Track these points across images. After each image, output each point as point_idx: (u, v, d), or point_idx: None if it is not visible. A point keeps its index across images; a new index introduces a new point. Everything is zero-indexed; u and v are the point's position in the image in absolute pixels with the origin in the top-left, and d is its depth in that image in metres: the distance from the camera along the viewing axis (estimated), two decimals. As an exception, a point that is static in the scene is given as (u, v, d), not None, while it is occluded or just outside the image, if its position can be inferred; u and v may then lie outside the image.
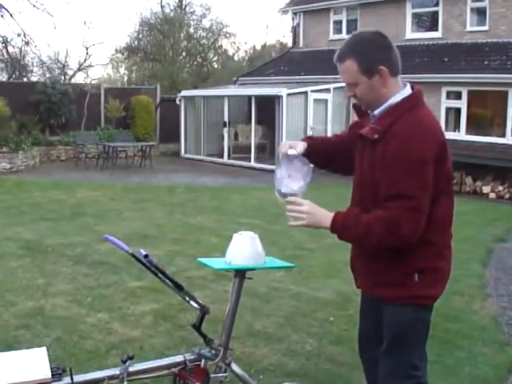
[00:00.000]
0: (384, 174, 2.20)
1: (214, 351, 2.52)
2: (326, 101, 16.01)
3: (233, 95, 17.64)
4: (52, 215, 8.70)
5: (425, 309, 2.37)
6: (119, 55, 29.40)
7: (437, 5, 15.46)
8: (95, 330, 4.28)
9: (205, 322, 2.52)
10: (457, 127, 14.01)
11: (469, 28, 14.68)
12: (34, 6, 19.65)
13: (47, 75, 24.22)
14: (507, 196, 12.51)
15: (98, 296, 5.03)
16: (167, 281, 2.41)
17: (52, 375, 2.10)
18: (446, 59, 14.41)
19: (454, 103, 14.06)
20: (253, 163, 16.10)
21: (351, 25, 17.24)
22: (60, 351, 3.83)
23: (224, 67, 29.37)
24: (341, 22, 17.90)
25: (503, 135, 13.19)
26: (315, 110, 15.82)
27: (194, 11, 29.52)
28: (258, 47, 32.68)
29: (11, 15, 19.61)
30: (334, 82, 15.29)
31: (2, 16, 19.44)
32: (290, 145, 2.45)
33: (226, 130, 17.15)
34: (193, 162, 17.44)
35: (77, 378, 2.19)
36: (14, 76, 24.78)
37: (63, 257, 6.31)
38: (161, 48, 27.36)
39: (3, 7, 19.29)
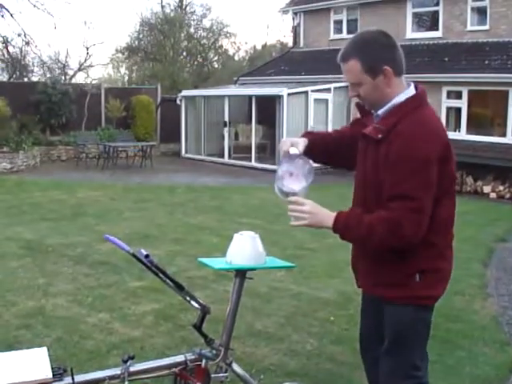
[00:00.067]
0: (387, 174, 2.19)
1: (214, 351, 2.52)
2: (327, 100, 16.01)
3: (233, 95, 17.64)
4: (52, 215, 8.70)
5: (426, 309, 2.37)
6: (120, 55, 29.46)
7: (437, 4, 15.46)
8: (96, 329, 4.28)
9: (205, 321, 2.52)
10: (457, 127, 14.00)
11: (469, 27, 14.67)
12: (34, 6, 19.71)
13: (48, 75, 24.24)
14: (508, 196, 12.50)
15: (99, 296, 5.03)
16: (168, 281, 2.41)
17: (53, 375, 2.10)
18: (446, 59, 14.41)
19: (454, 103, 14.05)
20: (254, 163, 16.10)
21: (351, 24, 17.24)
22: (61, 351, 3.84)
23: (224, 67, 29.38)
24: (341, 21, 17.89)
25: (504, 135, 13.19)
26: (316, 109, 15.82)
27: (195, 11, 29.57)
28: (259, 47, 32.73)
29: (12, 15, 19.66)
30: (335, 82, 15.30)
31: (3, 16, 19.48)
32: (292, 142, 2.43)
33: (226, 129, 17.15)
34: (193, 161, 17.44)
35: (78, 378, 2.19)
36: (14, 76, 24.80)
37: (64, 257, 6.31)
38: (161, 48, 27.37)
39: (4, 7, 19.32)
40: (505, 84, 12.87)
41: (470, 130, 13.72)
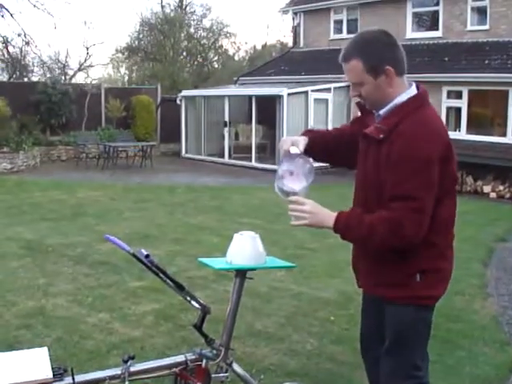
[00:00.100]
0: (389, 174, 2.19)
1: (215, 351, 2.52)
2: (327, 100, 16.01)
3: (233, 95, 17.64)
4: (53, 215, 8.70)
5: (426, 309, 2.37)
6: (120, 55, 29.46)
7: (437, 4, 15.46)
8: (96, 329, 4.28)
9: (206, 321, 2.52)
10: (457, 127, 14.00)
11: (469, 27, 14.67)
12: (34, 6, 19.71)
13: (48, 75, 24.23)
14: (508, 195, 12.50)
15: (99, 296, 5.03)
16: (168, 281, 2.41)
17: (53, 375, 2.10)
18: (446, 59, 14.41)
19: (454, 103, 14.05)
20: (254, 163, 16.10)
21: (352, 24, 17.24)
22: (61, 351, 3.83)
23: (224, 67, 29.38)
24: (341, 21, 17.89)
25: (504, 135, 13.19)
26: (316, 109, 15.82)
27: (195, 11, 29.57)
28: (259, 47, 32.72)
29: (12, 15, 19.66)
30: (335, 82, 15.30)
31: (3, 16, 19.48)
32: (292, 141, 2.42)
33: (226, 129, 17.15)
34: (193, 161, 17.43)
35: (78, 378, 2.19)
36: (14, 76, 24.80)
37: (64, 257, 6.31)
38: (161, 48, 27.37)
39: (4, 7, 19.32)
40: (505, 84, 12.87)
41: (470, 130, 13.72)
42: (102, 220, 8.43)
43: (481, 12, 14.59)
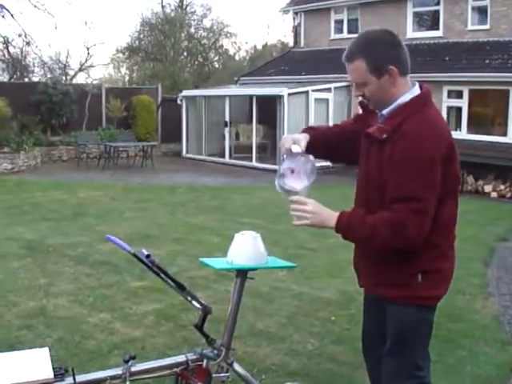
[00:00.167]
0: (392, 174, 2.18)
1: (216, 351, 2.52)
2: (327, 100, 16.00)
3: (234, 95, 17.64)
4: (53, 215, 8.71)
5: (428, 309, 2.36)
6: (120, 55, 29.45)
7: (438, 4, 15.46)
8: (97, 330, 4.28)
9: (207, 321, 2.52)
10: (458, 126, 13.98)
11: (470, 27, 14.67)
12: (34, 6, 19.70)
13: (48, 75, 24.24)
14: (509, 195, 12.49)
15: (100, 296, 5.03)
16: (169, 281, 2.41)
17: (54, 375, 2.10)
18: (447, 58, 14.40)
19: (455, 102, 14.04)
20: (254, 163, 16.10)
21: (352, 24, 17.23)
22: (62, 351, 3.84)
23: (225, 67, 29.37)
24: (342, 21, 17.89)
25: (504, 134, 13.18)
26: (316, 109, 15.81)
27: (195, 11, 29.55)
28: (259, 47, 32.70)
29: (12, 15, 19.66)
30: (335, 82, 15.29)
31: (3, 16, 19.49)
32: (293, 139, 2.39)
33: (227, 129, 17.15)
34: (194, 161, 17.43)
35: (79, 378, 2.19)
36: (15, 76, 24.80)
37: (65, 257, 6.32)
38: (162, 48, 27.37)
39: (4, 7, 19.32)
40: (505, 83, 12.86)
41: (470, 130, 13.70)
42: (102, 220, 8.43)
43: (481, 12, 14.58)
